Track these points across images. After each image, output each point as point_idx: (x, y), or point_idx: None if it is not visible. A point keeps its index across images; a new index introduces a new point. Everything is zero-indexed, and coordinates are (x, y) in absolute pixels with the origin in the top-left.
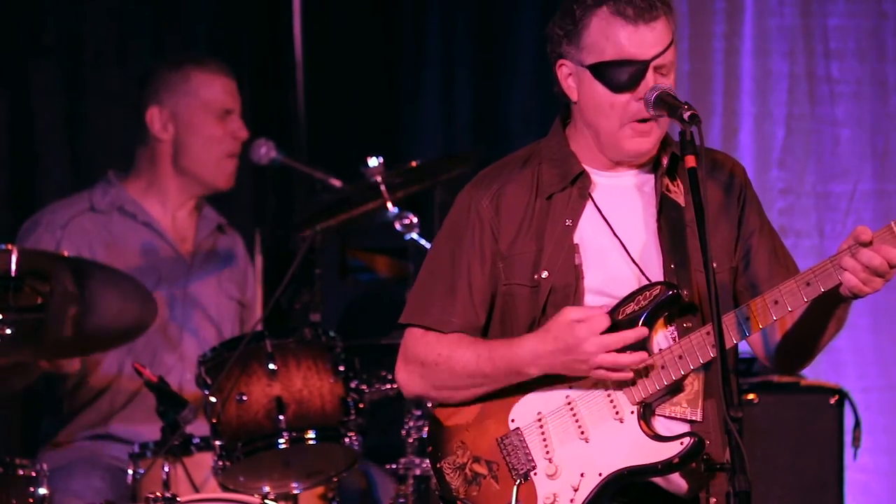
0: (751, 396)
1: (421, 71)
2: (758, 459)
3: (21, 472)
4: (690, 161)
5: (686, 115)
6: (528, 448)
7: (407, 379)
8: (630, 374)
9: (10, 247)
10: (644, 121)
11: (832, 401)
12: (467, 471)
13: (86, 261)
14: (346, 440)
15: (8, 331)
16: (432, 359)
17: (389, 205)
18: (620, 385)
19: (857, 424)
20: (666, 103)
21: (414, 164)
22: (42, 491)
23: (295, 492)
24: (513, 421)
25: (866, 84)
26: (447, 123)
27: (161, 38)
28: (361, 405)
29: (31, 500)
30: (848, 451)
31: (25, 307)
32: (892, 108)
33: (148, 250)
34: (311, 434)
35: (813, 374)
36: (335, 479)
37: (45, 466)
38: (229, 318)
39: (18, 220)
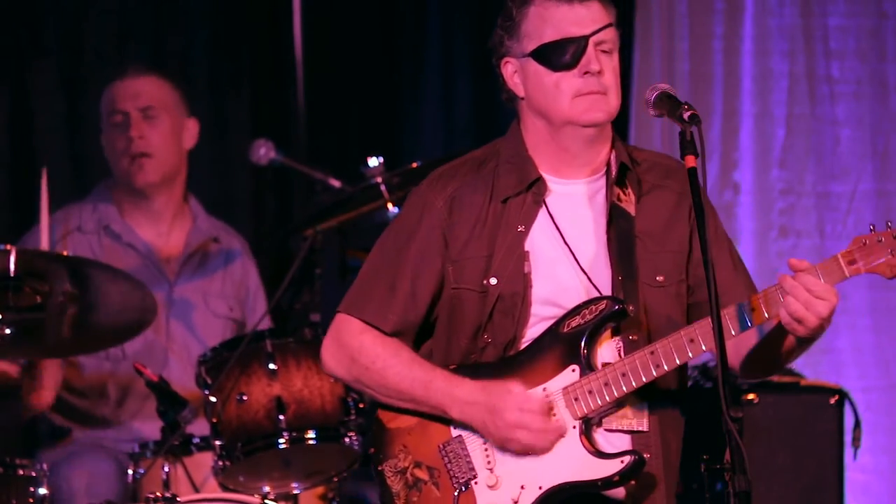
0: (751, 396)
1: (421, 71)
2: (758, 459)
3: (21, 472)
4: (690, 161)
5: (686, 115)
6: (469, 457)
7: (332, 362)
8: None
9: (8, 247)
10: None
11: (832, 401)
12: (408, 475)
13: (85, 260)
14: (346, 440)
15: (8, 331)
16: (366, 361)
17: (389, 205)
18: (563, 400)
19: (857, 424)
20: (666, 103)
21: (414, 165)
22: (42, 491)
23: (295, 492)
24: (455, 428)
25: (866, 84)
26: (447, 124)
27: (161, 38)
28: (361, 405)
29: (31, 500)
30: (848, 451)
31: (25, 307)
32: (892, 108)
33: (132, 273)
34: (311, 434)
35: (813, 374)
36: (335, 479)
37: (45, 466)
38: (216, 337)
39: (18, 220)
